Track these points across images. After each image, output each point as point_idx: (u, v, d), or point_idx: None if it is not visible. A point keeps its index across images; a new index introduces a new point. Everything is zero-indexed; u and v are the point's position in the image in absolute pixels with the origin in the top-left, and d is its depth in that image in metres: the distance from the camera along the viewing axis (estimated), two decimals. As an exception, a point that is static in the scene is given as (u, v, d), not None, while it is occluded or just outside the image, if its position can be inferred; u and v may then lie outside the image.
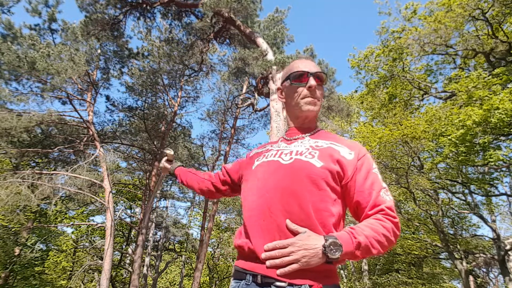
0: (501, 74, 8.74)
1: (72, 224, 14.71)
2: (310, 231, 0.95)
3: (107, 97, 12.69)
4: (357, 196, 1.04)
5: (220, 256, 22.58)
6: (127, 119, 13.69)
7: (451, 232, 13.03)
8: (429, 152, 11.29)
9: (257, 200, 1.07)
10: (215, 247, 22.77)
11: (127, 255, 17.26)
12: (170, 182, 18.06)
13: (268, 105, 7.83)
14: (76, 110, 10.48)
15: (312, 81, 1.17)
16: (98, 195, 11.36)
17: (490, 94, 8.01)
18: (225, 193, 1.47)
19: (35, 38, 8.72)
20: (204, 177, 1.52)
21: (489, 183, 10.58)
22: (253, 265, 1.00)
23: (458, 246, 11.74)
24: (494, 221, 12.83)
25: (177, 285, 23.30)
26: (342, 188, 1.07)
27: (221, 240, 21.65)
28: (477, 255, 12.80)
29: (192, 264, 23.18)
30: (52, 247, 18.06)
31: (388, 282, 14.97)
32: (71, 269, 18.17)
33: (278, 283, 0.93)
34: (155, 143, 13.19)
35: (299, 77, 1.20)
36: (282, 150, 1.17)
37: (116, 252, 16.40)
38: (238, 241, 1.09)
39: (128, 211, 18.93)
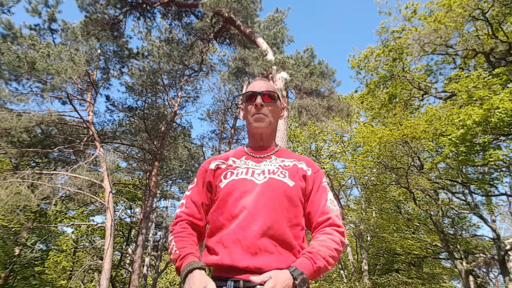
0: (501, 74, 8.74)
1: (72, 224, 14.72)
2: (275, 272, 0.98)
3: (107, 97, 12.70)
4: (309, 207, 1.19)
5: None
6: (127, 119, 13.69)
7: (451, 232, 13.02)
8: (429, 152, 11.29)
9: (236, 216, 1.10)
10: (215, 247, 22.74)
11: (127, 255, 17.25)
12: (170, 182, 18.07)
13: (268, 105, 7.81)
14: (76, 110, 10.47)
15: (258, 99, 1.26)
16: (98, 195, 11.36)
17: (490, 94, 8.01)
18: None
19: (35, 38, 8.72)
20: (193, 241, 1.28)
21: (489, 183, 10.58)
22: (234, 274, 1.03)
23: (458, 246, 11.74)
24: (494, 221, 12.83)
25: (177, 285, 23.30)
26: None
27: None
28: (477, 255, 12.79)
29: (192, 264, 23.11)
30: (52, 247, 18.07)
31: (388, 282, 14.97)
32: (71, 269, 18.16)
33: (259, 286, 0.97)
34: (155, 143, 13.19)
35: (250, 97, 1.31)
36: (253, 169, 1.22)
37: (116, 252, 16.40)
38: (210, 258, 1.08)
39: (128, 211, 18.93)
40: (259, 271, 1.00)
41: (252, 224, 1.06)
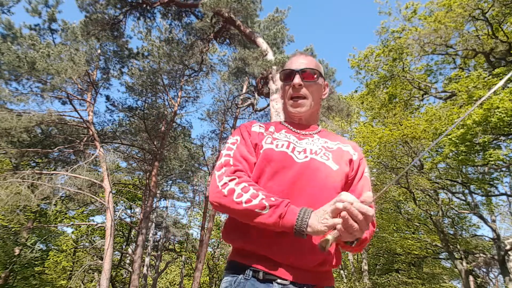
0: (501, 74, 8.74)
1: (72, 224, 14.72)
2: None
3: (107, 97, 12.70)
4: None
5: (220, 256, 22.58)
6: (127, 119, 13.69)
7: (451, 232, 13.03)
8: (429, 152, 11.29)
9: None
10: (215, 247, 22.77)
11: (127, 255, 17.25)
12: (170, 182, 18.06)
13: (268, 105, 7.83)
14: (76, 110, 10.47)
15: (296, 79, 1.12)
16: (98, 195, 11.36)
17: (490, 94, 8.01)
18: None
19: (35, 38, 8.72)
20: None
21: (489, 183, 10.58)
22: (256, 261, 0.95)
23: (458, 246, 11.74)
24: (494, 221, 12.83)
25: (177, 285, 23.29)
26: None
27: (221, 240, 21.65)
28: (477, 255, 12.79)
29: (192, 264, 23.18)
30: (52, 247, 18.07)
31: (388, 282, 14.97)
32: (71, 269, 18.16)
33: (280, 281, 0.92)
34: (155, 143, 13.19)
35: (287, 76, 1.16)
36: (294, 145, 1.09)
37: (116, 252, 16.39)
38: (239, 242, 0.99)
39: (128, 211, 18.92)
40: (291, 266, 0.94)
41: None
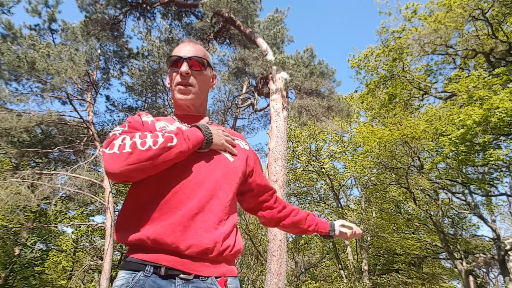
0: (501, 74, 8.74)
1: (72, 224, 14.72)
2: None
3: (107, 97, 12.69)
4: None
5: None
6: (127, 119, 13.70)
7: (451, 232, 13.03)
8: (429, 152, 11.30)
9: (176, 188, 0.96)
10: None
11: (127, 255, 17.25)
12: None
13: (268, 105, 7.83)
14: (76, 110, 10.48)
15: (184, 67, 1.09)
16: (98, 195, 11.36)
17: (490, 94, 8.01)
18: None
19: (35, 38, 8.72)
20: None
21: (489, 183, 10.59)
22: (155, 256, 0.89)
23: (458, 246, 11.75)
24: (494, 221, 12.84)
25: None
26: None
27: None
28: (477, 255, 12.80)
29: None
30: (52, 247, 18.06)
31: (388, 282, 14.96)
32: (71, 269, 18.15)
33: (183, 275, 0.88)
34: (155, 143, 13.16)
35: (174, 63, 1.12)
36: None
37: (116, 252, 16.40)
38: (134, 235, 0.91)
39: (128, 211, 18.92)
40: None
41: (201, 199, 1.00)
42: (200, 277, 0.90)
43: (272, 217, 1.28)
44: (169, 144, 0.91)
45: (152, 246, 0.89)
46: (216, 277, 0.93)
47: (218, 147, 1.04)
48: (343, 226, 1.38)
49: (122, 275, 0.90)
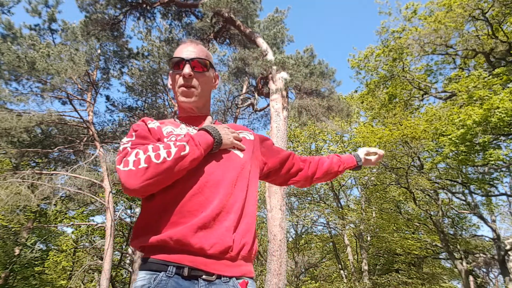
0: (501, 74, 8.74)
1: (72, 224, 14.72)
2: None
3: (107, 97, 12.68)
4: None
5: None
6: (127, 119, 13.67)
7: (451, 232, 13.03)
8: (429, 152, 11.29)
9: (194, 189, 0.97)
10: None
11: (127, 255, 17.24)
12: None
13: (268, 105, 7.83)
14: (76, 110, 10.48)
15: (186, 69, 1.08)
16: (98, 195, 11.36)
17: (490, 94, 8.01)
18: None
19: (35, 38, 8.72)
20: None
21: (489, 183, 10.59)
22: (178, 256, 0.89)
23: (458, 246, 11.75)
24: (494, 221, 12.84)
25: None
26: None
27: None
28: (477, 255, 12.80)
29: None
30: (52, 247, 18.05)
31: (388, 282, 14.96)
32: (71, 269, 18.15)
33: (206, 276, 0.88)
34: (155, 143, 13.16)
35: (177, 64, 1.11)
36: None
37: (116, 252, 16.39)
38: (155, 237, 0.90)
39: (128, 211, 18.92)
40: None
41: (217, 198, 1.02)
42: (222, 278, 0.90)
43: (307, 177, 1.33)
44: (182, 153, 0.91)
45: (175, 247, 0.89)
46: (237, 278, 0.93)
47: (228, 146, 1.05)
48: (368, 153, 1.49)
49: (143, 275, 0.89)
